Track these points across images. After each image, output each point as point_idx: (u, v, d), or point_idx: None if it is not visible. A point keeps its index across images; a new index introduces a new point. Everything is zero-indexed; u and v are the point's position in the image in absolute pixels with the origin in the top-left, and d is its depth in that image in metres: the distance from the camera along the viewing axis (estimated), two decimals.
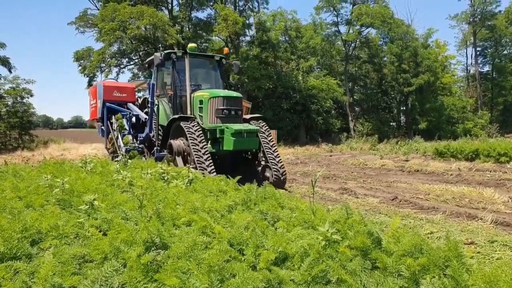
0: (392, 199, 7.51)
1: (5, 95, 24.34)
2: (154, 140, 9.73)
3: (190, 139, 7.84)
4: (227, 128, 8.08)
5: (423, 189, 8.65)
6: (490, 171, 11.44)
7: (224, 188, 4.82)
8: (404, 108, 39.20)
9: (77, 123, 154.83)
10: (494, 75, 44.00)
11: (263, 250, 2.52)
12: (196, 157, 7.61)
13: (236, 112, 8.71)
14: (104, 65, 27.22)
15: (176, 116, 8.67)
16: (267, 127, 9.11)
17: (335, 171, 12.76)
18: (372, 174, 11.80)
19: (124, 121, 11.01)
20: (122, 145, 10.24)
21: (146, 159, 9.35)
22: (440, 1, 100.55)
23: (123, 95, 11.43)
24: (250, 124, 8.81)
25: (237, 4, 32.15)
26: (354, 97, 38.86)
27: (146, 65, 11.40)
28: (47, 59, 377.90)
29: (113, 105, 11.18)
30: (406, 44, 35.01)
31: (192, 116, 8.70)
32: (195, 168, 7.43)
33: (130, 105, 11.39)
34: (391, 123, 39.51)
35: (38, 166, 7.77)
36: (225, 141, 8.10)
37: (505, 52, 43.86)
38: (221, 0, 30.89)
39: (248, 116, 9.22)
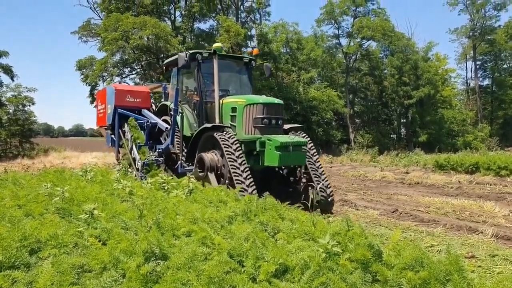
0: (393, 212, 7.48)
1: (7, 102, 24.46)
2: (178, 152, 8.39)
3: (227, 153, 6.67)
4: (269, 140, 6.81)
5: (423, 202, 8.62)
6: (491, 185, 11.41)
7: (224, 199, 4.82)
8: (405, 120, 39.31)
9: (78, 132, 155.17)
10: (494, 89, 44.19)
11: (263, 262, 2.51)
12: (235, 174, 6.45)
13: (277, 122, 7.49)
14: (106, 74, 27.41)
15: (209, 125, 7.41)
16: (309, 139, 7.81)
17: (336, 182, 12.73)
18: (372, 186, 11.77)
19: (141, 130, 9.56)
20: (138, 157, 8.71)
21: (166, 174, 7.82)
22: (440, 15, 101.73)
23: (137, 100, 10.06)
24: (291, 135, 7.55)
25: (239, 16, 32.53)
26: (355, 109, 39.00)
27: (164, 67, 10.19)
28: (49, 67, 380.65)
29: (126, 112, 9.74)
30: (406, 57, 35.29)
31: (226, 125, 7.53)
32: (232, 186, 6.34)
33: (146, 111, 9.91)
34: (391, 135, 39.57)
35: (38, 174, 7.77)
36: (267, 156, 6.87)
37: (504, 66, 44.13)
38: (223, 12, 31.27)
39: (287, 126, 7.93)
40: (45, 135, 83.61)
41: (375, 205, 8.34)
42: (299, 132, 8.06)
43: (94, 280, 2.30)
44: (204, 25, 34.14)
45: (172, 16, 31.31)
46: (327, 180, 7.46)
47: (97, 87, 28.69)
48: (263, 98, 7.58)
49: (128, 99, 9.91)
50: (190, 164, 7.93)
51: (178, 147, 8.35)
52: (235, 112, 7.59)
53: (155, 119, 9.31)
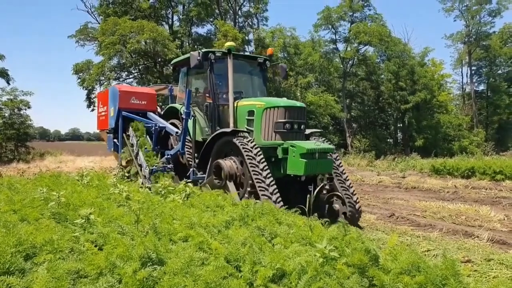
0: (389, 216, 7.50)
1: (2, 106, 24.33)
2: (190, 159, 7.69)
3: (249, 160, 6.13)
4: (293, 146, 6.28)
5: (420, 206, 8.64)
6: (486, 189, 11.47)
7: (221, 203, 4.81)
8: (401, 125, 39.45)
9: (74, 136, 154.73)
10: (489, 94, 44.49)
11: (260, 267, 2.50)
12: (258, 182, 5.93)
13: (300, 127, 6.93)
14: (103, 78, 27.38)
15: (228, 129, 6.86)
16: (332, 145, 7.23)
17: None
18: (369, 191, 11.79)
19: (145, 135, 8.94)
20: (144, 164, 7.98)
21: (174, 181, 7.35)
22: (436, 21, 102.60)
23: (142, 102, 9.41)
24: (315, 141, 6.99)
25: (237, 21, 32.64)
26: (352, 113, 39.12)
27: (171, 67, 9.49)
28: (46, 71, 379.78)
29: (130, 114, 9.14)
30: (403, 62, 35.47)
31: (244, 130, 7.00)
32: (253, 196, 5.91)
33: (152, 114, 9.25)
34: (388, 140, 39.68)
35: (34, 179, 7.73)
36: (290, 163, 6.33)
37: (499, 71, 44.46)
38: (221, 17, 31.37)
39: (307, 131, 7.38)
40: (41, 139, 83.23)
41: (372, 209, 8.36)
42: (320, 137, 7.58)
43: (90, 285, 2.29)
44: (202, 30, 34.42)
45: (170, 20, 31.39)
46: (354, 191, 6.82)
47: (94, 91, 28.61)
48: (284, 101, 7.08)
49: (132, 101, 9.29)
50: (202, 171, 7.40)
51: (188, 153, 7.76)
52: (252, 116, 7.06)
53: (163, 122, 8.62)
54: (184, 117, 7.37)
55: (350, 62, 36.94)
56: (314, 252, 2.72)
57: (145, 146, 8.39)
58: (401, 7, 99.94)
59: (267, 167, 6.09)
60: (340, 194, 6.68)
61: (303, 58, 33.69)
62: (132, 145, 8.82)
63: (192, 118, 7.48)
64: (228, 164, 6.59)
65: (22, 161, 22.47)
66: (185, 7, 30.47)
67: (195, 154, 7.51)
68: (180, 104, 8.27)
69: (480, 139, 36.80)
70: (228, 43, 7.90)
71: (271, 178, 6.01)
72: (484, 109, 44.59)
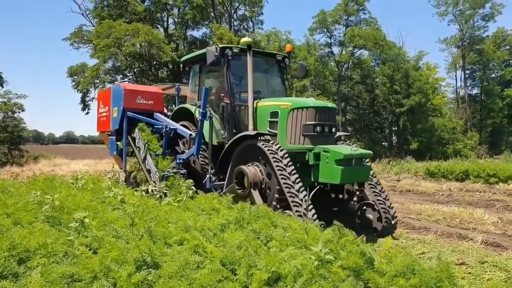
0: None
1: None
2: (204, 164, 7.16)
3: (278, 168, 5.48)
4: (326, 151, 5.61)
5: (414, 209, 8.68)
6: (480, 192, 11.55)
7: (217, 207, 4.80)
8: (396, 128, 39.65)
9: (69, 139, 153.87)
10: (482, 98, 44.94)
11: (256, 270, 2.50)
12: (289, 194, 5.29)
13: (331, 129, 6.29)
14: (98, 81, 27.29)
15: (251, 132, 6.22)
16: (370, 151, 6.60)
17: None
18: None
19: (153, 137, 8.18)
20: (154, 169, 7.31)
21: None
22: (430, 25, 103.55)
23: (149, 102, 8.71)
24: (351, 146, 6.21)
25: (232, 24, 32.72)
26: (347, 116, 39.29)
27: (181, 65, 8.79)
28: (40, 73, 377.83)
29: (137, 115, 8.43)
30: (397, 65, 35.71)
31: (270, 132, 6.40)
32: (281, 208, 5.30)
33: (159, 115, 8.53)
34: (383, 143, 39.85)
35: (28, 182, 7.66)
36: (323, 170, 5.65)
37: (493, 75, 44.93)
38: (216, 20, 31.43)
39: (338, 134, 6.78)
40: (35, 142, 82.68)
41: None
42: (348, 140, 7.00)
43: None
44: (197, 33, 34.39)
45: (165, 23, 31.38)
46: (391, 204, 6.21)
47: (88, 94, 28.50)
48: (313, 101, 6.47)
49: (138, 101, 8.57)
50: (217, 178, 6.81)
51: (201, 158, 7.15)
52: (275, 118, 6.46)
53: (173, 124, 7.90)
54: (200, 118, 6.64)
55: (345, 65, 37.12)
56: (310, 255, 2.72)
57: (155, 150, 7.69)
58: (396, 11, 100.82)
59: (295, 171, 5.52)
60: (372, 203, 6.07)
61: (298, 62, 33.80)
62: (138, 149, 8.13)
63: (209, 119, 6.80)
64: (252, 170, 5.97)
65: (16, 164, 22.31)
66: (180, 10, 30.49)
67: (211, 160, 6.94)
68: (192, 105, 7.77)
69: (474, 142, 37.10)
70: (245, 39, 7.41)
71: (301, 184, 5.40)
72: (478, 113, 45.00)
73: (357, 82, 38.61)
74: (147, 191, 6.66)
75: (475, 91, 46.76)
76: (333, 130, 6.37)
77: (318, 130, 6.06)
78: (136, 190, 6.55)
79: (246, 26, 33.95)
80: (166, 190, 6.40)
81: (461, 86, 46.09)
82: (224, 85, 7.20)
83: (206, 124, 6.80)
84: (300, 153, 6.05)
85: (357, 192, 6.19)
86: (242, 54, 7.09)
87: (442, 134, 37.19)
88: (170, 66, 29.56)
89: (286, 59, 7.95)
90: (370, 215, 6.07)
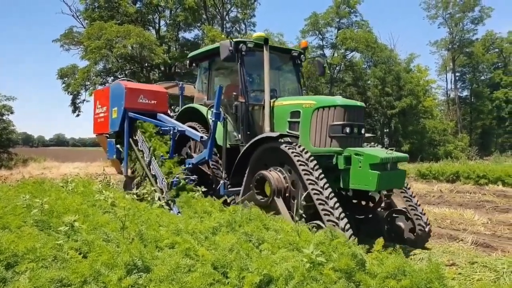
0: None
1: None
2: (215, 169, 6.61)
3: (304, 171, 4.95)
4: (358, 155, 5.06)
5: None
6: (470, 193, 11.69)
7: (208, 209, 4.78)
8: (388, 130, 40.01)
9: (59, 141, 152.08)
10: (472, 100, 45.59)
11: (248, 273, 2.49)
12: (318, 201, 4.75)
13: (360, 131, 5.68)
14: (89, 83, 27.09)
15: (274, 134, 5.69)
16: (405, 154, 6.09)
17: None
18: None
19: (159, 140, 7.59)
20: (160, 175, 6.65)
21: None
22: (421, 28, 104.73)
23: (152, 102, 8.08)
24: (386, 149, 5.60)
25: (224, 26, 32.74)
26: None
27: (187, 62, 8.29)
28: (29, 75, 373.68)
29: (140, 116, 7.77)
30: (389, 68, 36.06)
31: (293, 133, 5.87)
32: (308, 217, 4.84)
33: (163, 116, 7.91)
34: (375, 145, 40.18)
35: (16, 186, 7.54)
36: (355, 176, 5.10)
37: (482, 77, 45.67)
38: (208, 22, 31.42)
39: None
40: (25, 145, 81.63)
41: None
42: (372, 142, 6.46)
43: None
44: (189, 35, 34.34)
45: (157, 25, 31.29)
46: (420, 205, 5.79)
47: (79, 96, 28.27)
48: (341, 99, 5.79)
49: (141, 100, 7.95)
50: (229, 184, 6.25)
51: (211, 162, 6.59)
52: (296, 118, 5.91)
53: (181, 125, 7.24)
54: (213, 119, 6.12)
55: (337, 68, 37.36)
56: (301, 257, 2.72)
57: (161, 153, 7.02)
58: (387, 13, 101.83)
59: (323, 175, 5.00)
60: (404, 210, 5.67)
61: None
62: (142, 152, 7.45)
63: (223, 120, 6.23)
64: (275, 176, 5.37)
65: (4, 167, 22.00)
66: (172, 12, 30.44)
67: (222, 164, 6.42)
68: (201, 105, 7.28)
69: (464, 144, 37.56)
70: (258, 34, 6.92)
71: (330, 189, 4.90)
72: (468, 115, 45.63)
73: (349, 84, 38.86)
74: (148, 197, 6.36)
75: (465, 93, 47.48)
76: (362, 131, 5.75)
77: (347, 131, 5.46)
78: (138, 197, 6.34)
79: (238, 28, 34.02)
80: (173, 199, 5.95)
81: (451, 88, 46.75)
82: (236, 83, 6.70)
83: (220, 126, 6.27)
84: (325, 157, 5.51)
85: (385, 198, 5.75)
86: (256, 49, 6.59)
87: (433, 136, 37.58)
88: (162, 68, 29.49)
89: (302, 56, 7.43)
90: (401, 223, 5.67)
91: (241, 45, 6.41)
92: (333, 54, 36.66)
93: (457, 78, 45.83)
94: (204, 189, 6.13)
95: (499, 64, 44.85)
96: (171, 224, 3.73)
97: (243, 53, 6.45)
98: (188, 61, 8.16)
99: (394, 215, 5.76)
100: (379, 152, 5.16)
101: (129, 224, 3.64)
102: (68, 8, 44.44)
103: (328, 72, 37.66)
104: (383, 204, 5.85)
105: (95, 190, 5.96)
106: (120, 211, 3.89)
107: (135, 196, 6.18)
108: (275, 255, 2.92)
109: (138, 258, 2.59)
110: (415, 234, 5.45)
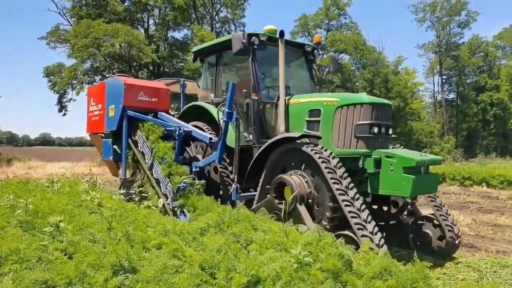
0: None
1: None
2: (224, 173, 6.17)
3: (333, 180, 4.43)
4: (390, 157, 4.62)
5: None
6: (456, 194, 11.90)
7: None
8: None
9: (44, 141, 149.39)
10: (458, 102, 46.39)
11: (235, 274, 2.49)
12: (350, 213, 4.24)
13: (387, 131, 5.28)
14: (75, 82, 26.72)
15: (295, 134, 5.15)
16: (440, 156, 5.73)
17: None
18: None
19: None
20: (164, 179, 6.08)
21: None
22: (409, 31, 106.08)
23: (153, 100, 7.45)
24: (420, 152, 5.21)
25: (214, 26, 32.66)
26: None
27: (192, 57, 7.76)
28: (14, 73, 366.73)
29: (140, 115, 7.17)
30: (377, 70, 36.46)
31: (316, 134, 5.35)
32: (333, 228, 4.49)
33: (165, 115, 7.36)
34: None
35: (0, 185, 7.40)
36: (386, 180, 4.63)
37: (468, 81, 46.52)
38: (198, 21, 31.30)
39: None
40: (9, 144, 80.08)
41: None
42: (395, 144, 6.07)
43: None
44: (178, 34, 34.09)
45: (146, 24, 31.03)
46: (450, 214, 5.32)
47: (66, 95, 27.85)
48: (367, 97, 5.38)
49: (141, 98, 7.33)
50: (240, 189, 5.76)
51: (220, 166, 6.15)
52: (316, 117, 5.47)
53: (186, 125, 6.73)
54: (225, 119, 5.65)
55: (326, 69, 37.61)
56: (289, 258, 2.73)
57: (165, 156, 6.44)
58: (376, 15, 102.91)
59: (353, 184, 4.51)
60: (432, 217, 5.31)
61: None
62: (142, 154, 6.85)
63: (236, 120, 5.73)
64: (297, 181, 4.85)
65: None
66: (161, 11, 30.22)
67: (231, 167, 6.04)
68: (207, 102, 6.84)
69: (450, 146, 38.19)
70: (269, 26, 6.44)
71: (361, 200, 4.44)
72: (454, 117, 46.40)
73: (338, 86, 39.12)
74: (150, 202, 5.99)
75: (452, 96, 48.28)
76: (390, 131, 5.36)
77: (374, 131, 5.03)
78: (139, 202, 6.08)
79: (228, 28, 33.95)
80: (179, 206, 5.58)
81: (438, 91, 47.48)
82: (247, 79, 6.25)
83: (231, 126, 5.84)
84: (349, 159, 5.04)
85: (409, 206, 5.42)
86: (268, 43, 6.20)
87: (420, 138, 38.12)
88: (151, 68, 29.24)
89: (315, 51, 7.05)
90: (429, 231, 5.27)
91: (253, 38, 5.99)
92: (322, 55, 36.87)
93: (443, 81, 46.61)
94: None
95: (485, 67, 45.74)
96: (158, 225, 3.71)
97: (255, 46, 6.06)
98: (192, 56, 7.70)
99: (419, 222, 5.39)
100: (413, 154, 4.82)
101: (116, 224, 3.61)
102: (54, 5, 43.68)
103: (317, 73, 37.91)
104: (406, 211, 5.47)
105: (82, 190, 5.88)
106: (107, 212, 3.85)
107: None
108: (263, 255, 2.93)
109: (125, 259, 2.56)
110: (444, 242, 5.07)
